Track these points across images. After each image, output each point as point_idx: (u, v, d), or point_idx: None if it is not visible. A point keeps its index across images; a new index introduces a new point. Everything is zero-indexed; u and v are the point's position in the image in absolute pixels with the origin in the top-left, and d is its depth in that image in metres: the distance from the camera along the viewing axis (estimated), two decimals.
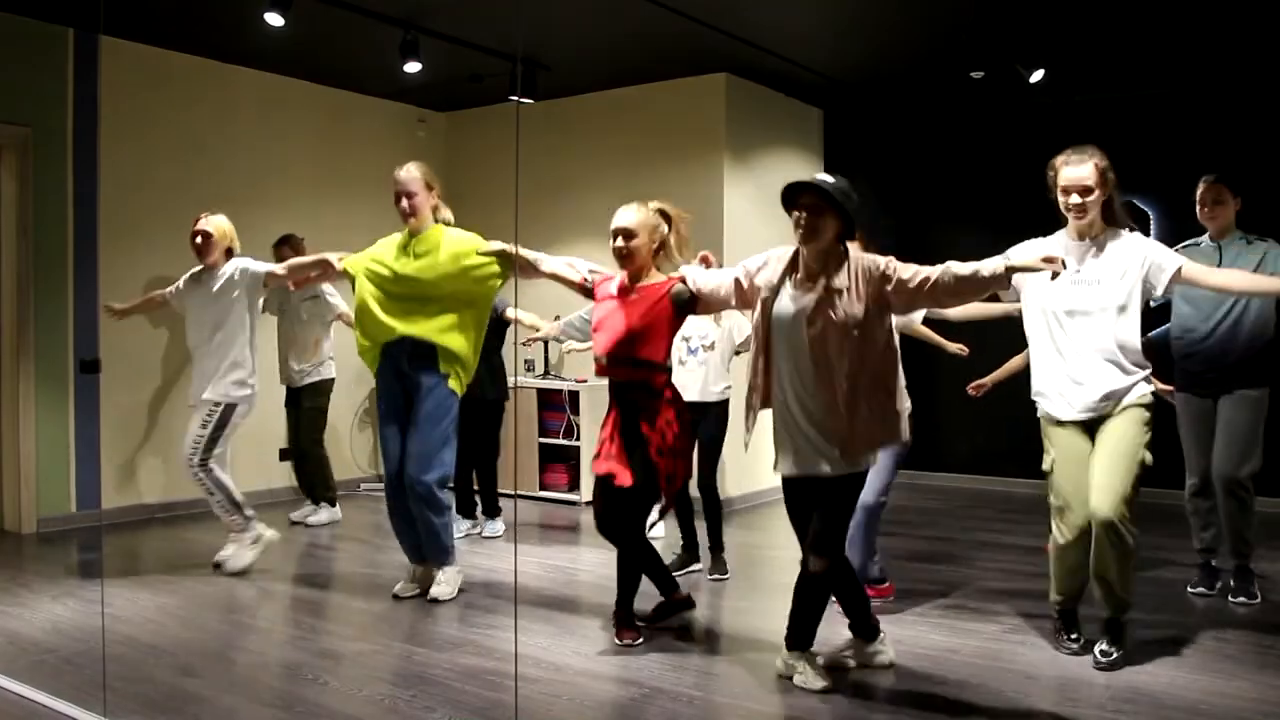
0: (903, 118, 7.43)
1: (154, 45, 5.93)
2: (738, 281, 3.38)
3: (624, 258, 3.61)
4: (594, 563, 5.01)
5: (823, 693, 3.17)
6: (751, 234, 6.34)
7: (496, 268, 4.12)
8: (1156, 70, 6.24)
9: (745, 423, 3.32)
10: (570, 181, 7.00)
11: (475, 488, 5.66)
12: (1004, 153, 6.92)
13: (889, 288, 3.05)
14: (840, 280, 3.07)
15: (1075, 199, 3.35)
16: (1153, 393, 3.42)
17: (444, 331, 4.12)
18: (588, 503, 6.46)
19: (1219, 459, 4.15)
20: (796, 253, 3.20)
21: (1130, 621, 3.46)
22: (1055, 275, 2.97)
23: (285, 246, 5.74)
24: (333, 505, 5.93)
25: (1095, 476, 3.30)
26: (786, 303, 3.16)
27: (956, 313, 4.01)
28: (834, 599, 3.43)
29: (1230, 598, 4.20)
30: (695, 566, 4.73)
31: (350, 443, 7.08)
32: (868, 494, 3.61)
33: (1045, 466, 3.51)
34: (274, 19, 5.10)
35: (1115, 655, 3.37)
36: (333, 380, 5.92)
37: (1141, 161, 6.16)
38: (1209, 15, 5.21)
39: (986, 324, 4.16)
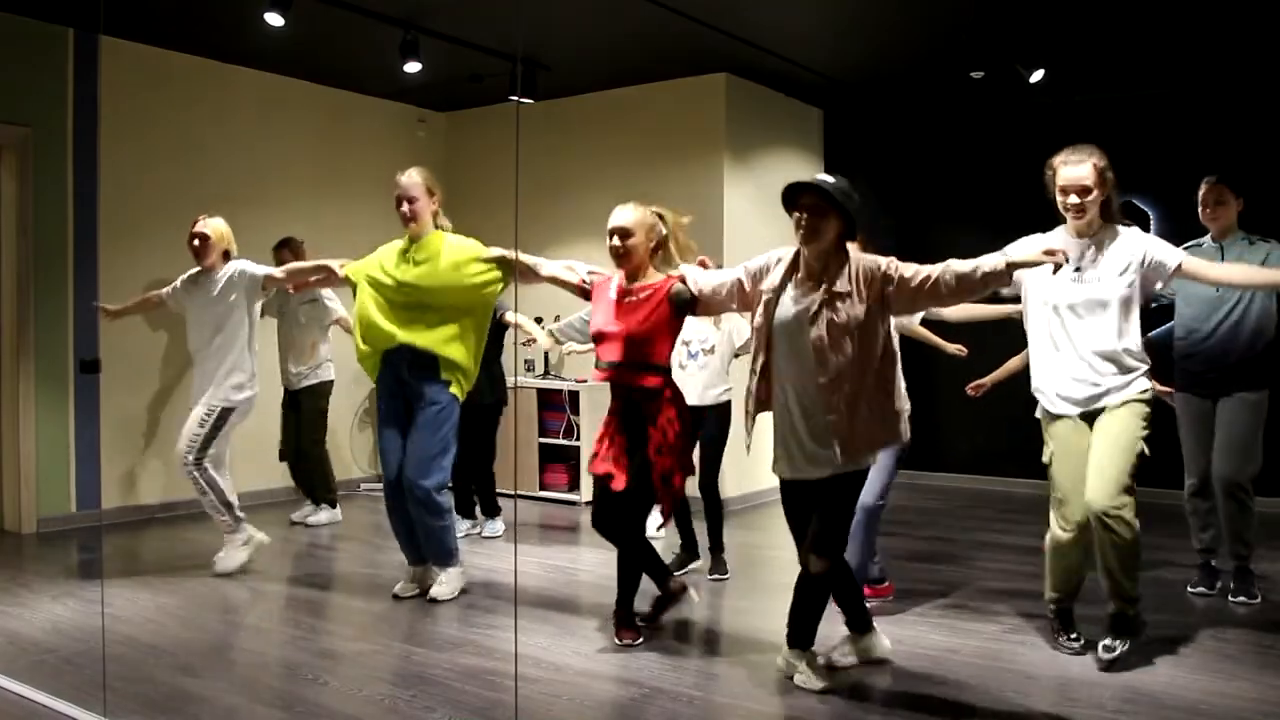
0: (903, 118, 7.43)
1: (154, 45, 5.94)
2: (739, 283, 3.37)
3: (620, 257, 3.61)
4: (594, 563, 5.01)
5: (822, 693, 3.17)
6: (751, 234, 6.34)
7: (497, 274, 4.12)
8: (1156, 70, 6.24)
9: (745, 424, 3.32)
10: (570, 181, 7.00)
11: (474, 489, 5.67)
12: (1004, 153, 6.92)
13: (890, 288, 3.04)
14: (841, 281, 3.07)
15: (1074, 199, 3.35)
16: (1152, 389, 3.42)
17: (445, 340, 4.12)
18: (588, 503, 6.46)
19: (1219, 462, 4.15)
20: (798, 254, 3.19)
21: (1138, 617, 3.44)
22: (1057, 268, 2.97)
23: (285, 250, 5.74)
24: (333, 506, 5.93)
25: (1092, 469, 3.31)
26: (788, 304, 3.16)
27: (955, 314, 4.01)
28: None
29: (1230, 598, 4.20)
30: (694, 565, 4.73)
31: (350, 443, 7.08)
32: (867, 495, 3.61)
33: (1045, 459, 3.52)
34: (274, 19, 5.11)
35: (1119, 650, 3.36)
36: (331, 383, 5.93)
37: (1141, 161, 6.16)
38: (1209, 15, 5.21)
39: (985, 325, 4.16)
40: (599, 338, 3.66)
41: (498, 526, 5.66)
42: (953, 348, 4.41)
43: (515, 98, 7.02)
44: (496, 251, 4.12)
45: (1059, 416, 3.46)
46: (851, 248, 3.19)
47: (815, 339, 3.06)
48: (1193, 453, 4.28)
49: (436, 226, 4.24)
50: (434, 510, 4.18)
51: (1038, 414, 3.65)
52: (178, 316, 4.96)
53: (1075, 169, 3.34)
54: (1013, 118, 6.98)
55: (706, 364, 4.63)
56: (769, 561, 5.13)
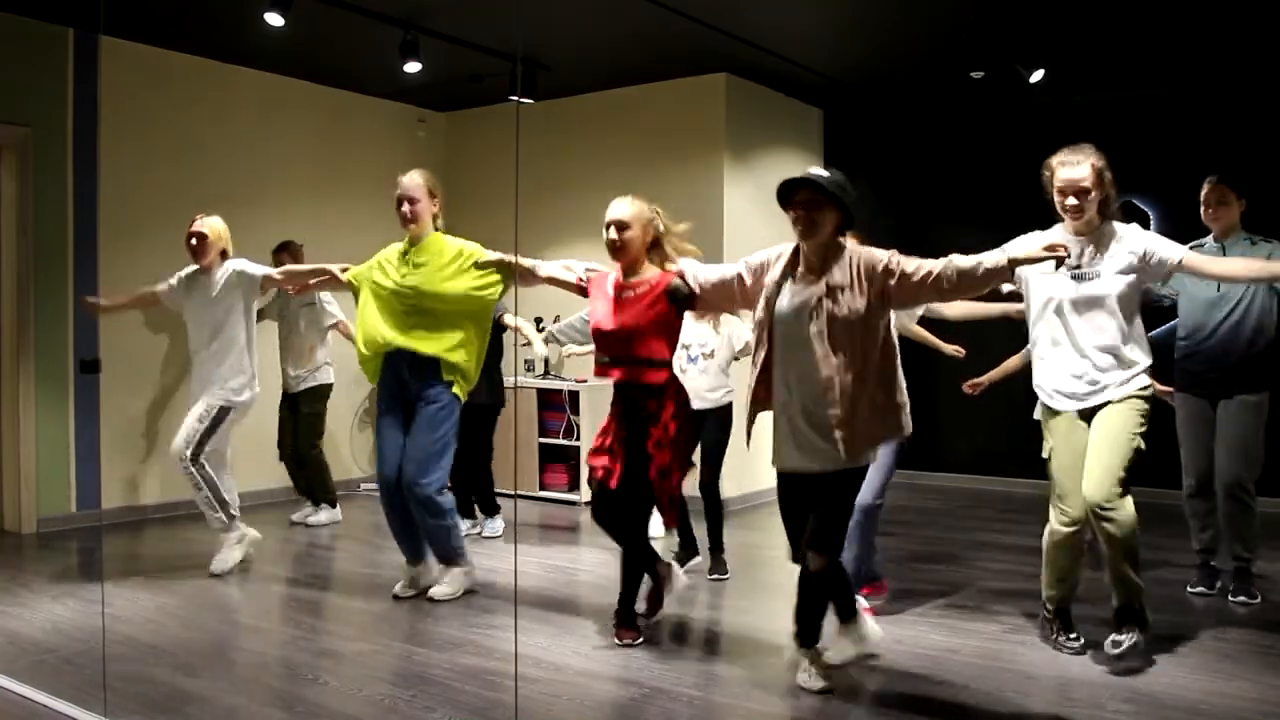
0: (903, 118, 7.43)
1: (154, 45, 5.94)
2: (739, 277, 3.38)
3: (617, 249, 3.61)
4: (594, 563, 5.01)
5: (821, 693, 3.17)
6: (751, 234, 6.34)
7: (496, 277, 4.12)
8: (1156, 70, 6.24)
9: (746, 419, 3.32)
10: (570, 181, 7.00)
11: (472, 489, 5.67)
12: (1004, 153, 6.92)
13: (892, 281, 3.04)
14: (842, 274, 3.07)
15: (1072, 200, 3.35)
16: (1151, 386, 3.42)
17: (446, 344, 4.12)
18: (588, 503, 6.44)
19: (1221, 464, 4.15)
20: (797, 249, 3.20)
21: (1143, 610, 3.43)
22: (1059, 264, 2.98)
23: (284, 253, 5.74)
24: (333, 506, 5.93)
25: (1089, 463, 3.32)
26: (788, 298, 3.16)
27: (955, 311, 4.01)
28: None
29: (1230, 597, 4.20)
30: (695, 561, 4.73)
31: (350, 444, 7.08)
32: (865, 494, 3.61)
33: (1044, 454, 3.54)
34: (274, 19, 5.11)
35: (1127, 643, 3.35)
36: (330, 386, 5.93)
37: (1141, 161, 6.16)
38: (1209, 15, 5.21)
39: (985, 325, 4.17)
40: (597, 333, 3.67)
41: (497, 526, 5.66)
42: (951, 348, 4.41)
43: (515, 98, 7.02)
44: (496, 255, 4.13)
45: (1058, 413, 3.47)
46: (851, 241, 3.19)
47: (815, 332, 3.06)
48: (1192, 453, 4.28)
49: (436, 227, 4.25)
50: (435, 510, 4.17)
51: (1036, 415, 3.66)
52: (178, 318, 4.95)
53: (1073, 170, 3.33)
54: (1013, 118, 6.98)
55: (707, 367, 4.64)
56: (769, 561, 5.13)
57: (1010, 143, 6.88)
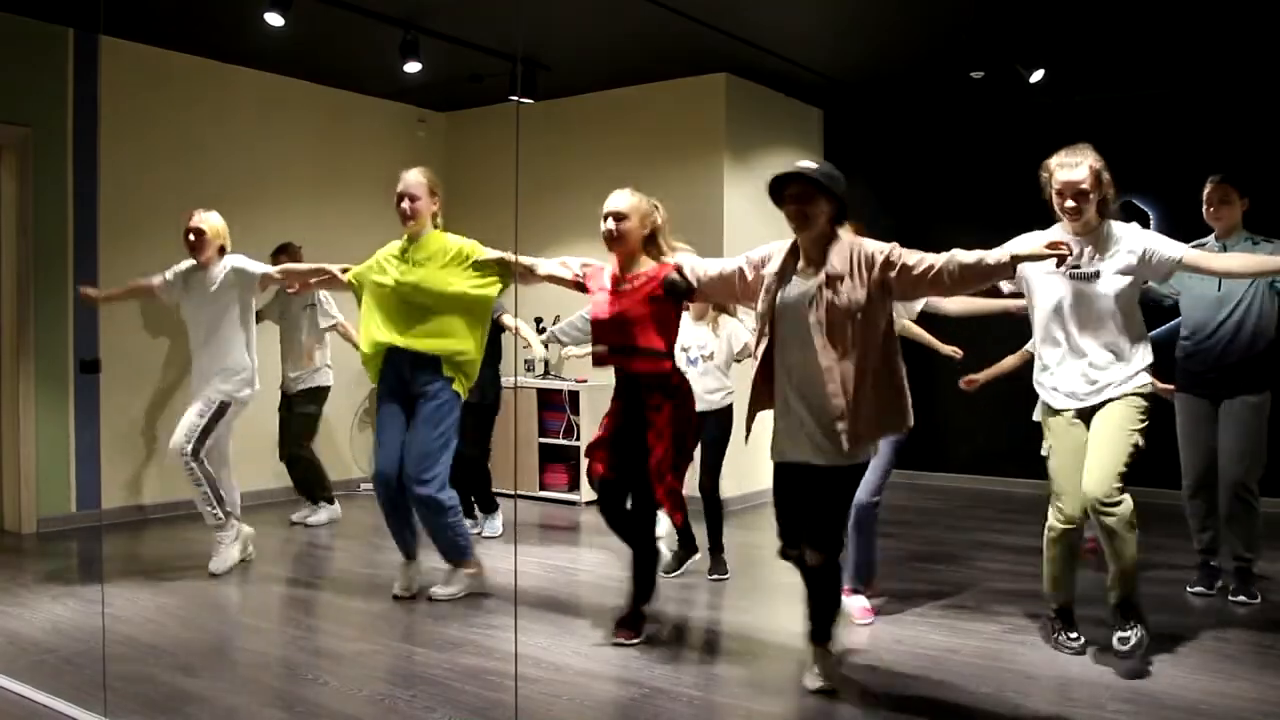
0: (903, 118, 7.43)
1: (154, 45, 5.93)
2: (740, 272, 3.38)
3: (614, 240, 3.62)
4: (594, 563, 5.01)
5: (818, 693, 3.17)
6: (751, 234, 6.33)
7: (494, 276, 4.13)
8: (1156, 70, 6.24)
9: (747, 415, 3.31)
10: (570, 181, 7.00)
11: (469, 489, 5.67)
12: (1004, 153, 6.92)
13: (892, 274, 3.04)
14: (841, 265, 3.07)
15: (1070, 202, 3.34)
16: (1151, 384, 3.43)
17: (446, 341, 4.12)
18: (588, 503, 6.47)
19: (1224, 465, 4.15)
20: (796, 243, 3.20)
21: (1140, 607, 3.43)
22: (1061, 261, 2.98)
23: (283, 255, 5.74)
24: (331, 503, 5.92)
25: (1090, 459, 3.32)
26: (789, 290, 3.16)
27: (955, 306, 4.00)
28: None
29: (1230, 597, 4.20)
30: (694, 559, 4.74)
31: (350, 443, 7.08)
32: (861, 492, 3.61)
33: (1044, 452, 3.55)
34: (274, 19, 5.11)
35: (1134, 639, 3.35)
36: (327, 389, 5.93)
37: (1141, 161, 6.17)
38: (1209, 15, 5.21)
39: (984, 324, 4.16)
40: (595, 323, 3.68)
41: (496, 525, 5.66)
42: (948, 349, 4.41)
43: (515, 98, 7.02)
44: (495, 253, 4.13)
45: (1058, 411, 3.48)
46: (851, 232, 3.20)
47: (815, 322, 3.05)
48: (1191, 453, 4.28)
49: (435, 225, 4.25)
50: (437, 509, 4.16)
51: (1036, 416, 3.66)
52: (178, 319, 4.94)
53: (1071, 172, 3.33)
54: (1013, 118, 6.98)
55: (707, 369, 4.64)
56: (769, 561, 5.11)
57: (1010, 143, 6.88)
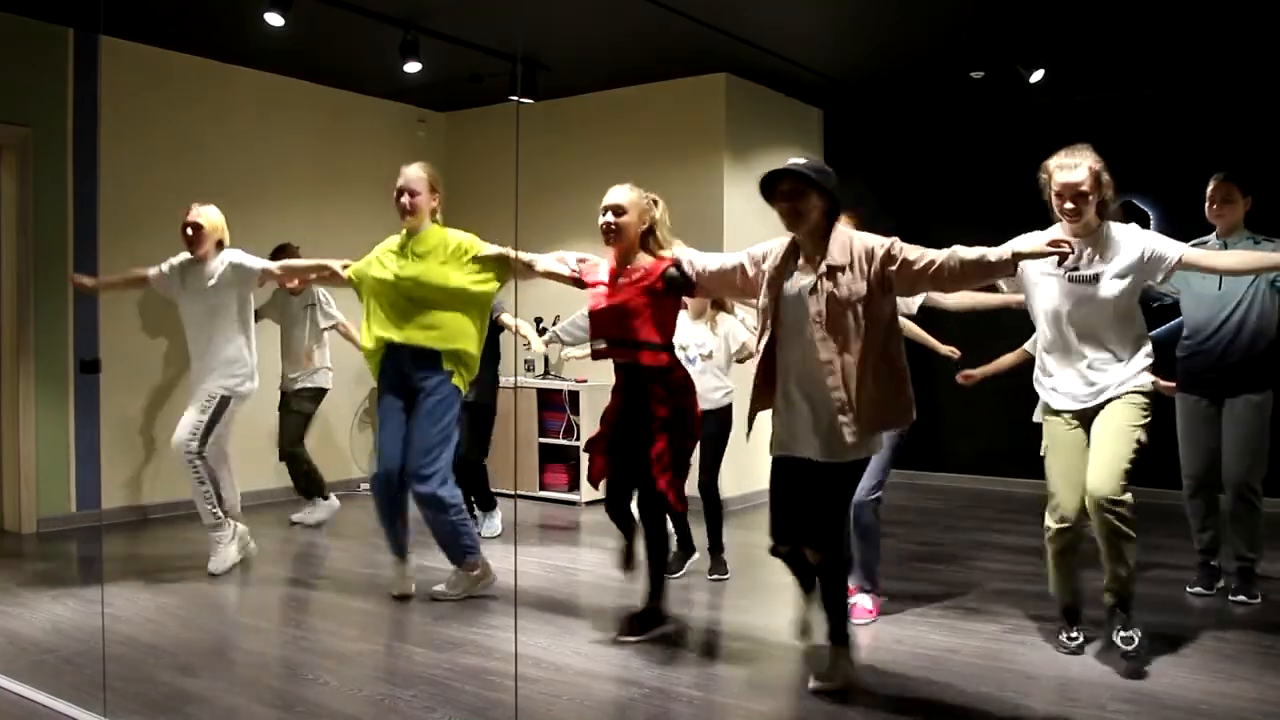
0: (903, 118, 7.43)
1: (154, 45, 5.93)
2: (741, 267, 3.37)
3: (612, 234, 3.63)
4: (594, 563, 5.01)
5: (818, 693, 3.17)
6: (751, 234, 6.28)
7: (493, 272, 4.13)
8: (1156, 70, 6.24)
9: (750, 411, 3.29)
10: (570, 181, 7.00)
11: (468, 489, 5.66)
12: (1004, 153, 6.92)
13: (893, 268, 3.03)
14: (841, 258, 3.06)
15: (1069, 204, 3.34)
16: (1152, 382, 3.43)
17: (446, 336, 4.11)
18: (588, 503, 6.48)
19: (1227, 464, 4.15)
20: (795, 240, 3.21)
21: (1134, 601, 3.45)
22: (1063, 259, 2.97)
23: (281, 256, 5.72)
24: (326, 499, 5.89)
25: (1093, 458, 3.33)
26: (790, 285, 3.16)
27: (955, 301, 4.00)
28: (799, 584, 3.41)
29: (1230, 597, 4.20)
30: (694, 558, 4.73)
31: (350, 443, 7.08)
32: (861, 491, 3.61)
33: (1042, 452, 3.56)
34: (274, 19, 5.11)
35: (1138, 639, 3.35)
36: (324, 390, 5.92)
37: (1141, 161, 6.17)
38: (1209, 15, 5.21)
39: (982, 322, 4.16)
40: (593, 315, 3.69)
41: (495, 525, 5.65)
42: (946, 349, 4.40)
43: (515, 98, 7.02)
44: (494, 249, 4.13)
45: (1056, 412, 3.48)
46: (849, 227, 3.20)
47: (815, 314, 3.05)
48: (1191, 453, 4.28)
49: (434, 221, 4.24)
50: (439, 506, 4.15)
51: (1036, 417, 3.66)
52: (177, 318, 4.94)
53: (1071, 174, 3.32)
54: (1013, 118, 6.98)
55: (705, 368, 4.63)
56: (769, 561, 5.09)
57: (1010, 143, 6.87)
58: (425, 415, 4.13)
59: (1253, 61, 5.97)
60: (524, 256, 4.04)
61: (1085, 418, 3.43)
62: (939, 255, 2.99)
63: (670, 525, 4.56)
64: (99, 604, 4.13)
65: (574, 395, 6.66)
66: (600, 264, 3.77)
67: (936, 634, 3.81)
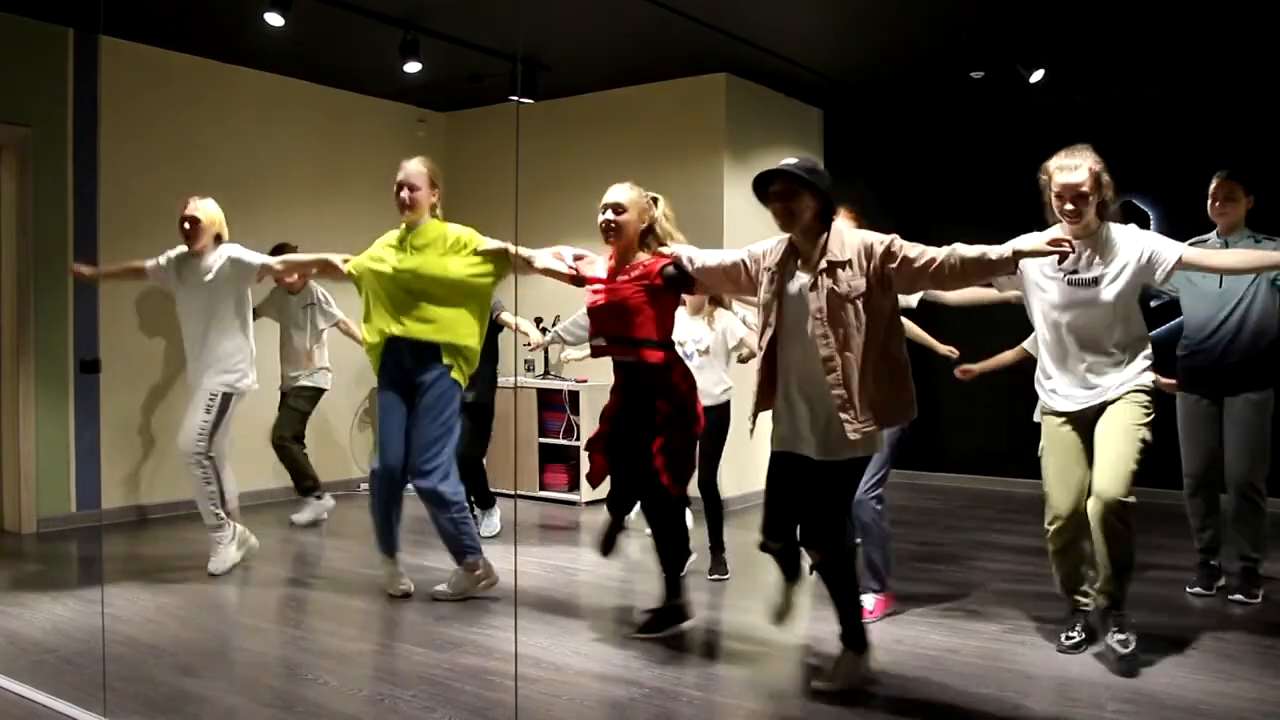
0: (903, 118, 7.43)
1: (154, 45, 5.93)
2: (741, 264, 3.37)
3: (611, 231, 3.63)
4: (594, 563, 5.00)
5: (819, 694, 3.17)
6: (751, 233, 6.27)
7: (490, 265, 4.12)
8: (1156, 70, 6.24)
9: (753, 409, 3.29)
10: (570, 181, 7.00)
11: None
12: (1004, 153, 6.92)
13: (892, 265, 3.03)
14: (839, 254, 3.06)
15: (1070, 205, 3.34)
16: (1153, 381, 3.43)
17: (445, 328, 4.12)
18: (588, 503, 6.47)
19: (1230, 464, 4.15)
20: (792, 239, 3.21)
21: (1127, 603, 3.45)
22: (1064, 258, 2.98)
23: (279, 255, 5.73)
24: (318, 497, 5.87)
25: (1098, 458, 3.33)
26: (790, 282, 3.16)
27: (955, 296, 4.00)
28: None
29: (1230, 596, 4.20)
30: (692, 559, 4.73)
31: (350, 443, 7.08)
32: (861, 490, 3.61)
33: (1040, 452, 3.57)
34: (274, 19, 5.10)
35: (1133, 643, 3.35)
36: (322, 390, 5.92)
37: (1141, 161, 6.17)
38: (1209, 15, 5.21)
39: (982, 320, 4.16)
40: (591, 312, 3.69)
41: (494, 523, 5.65)
42: (945, 349, 4.40)
43: (515, 98, 7.02)
44: (494, 243, 4.13)
45: (1056, 412, 3.49)
46: (848, 224, 3.20)
47: (816, 310, 3.05)
48: (1192, 452, 4.28)
49: (434, 216, 4.24)
50: (440, 502, 4.15)
51: (1036, 417, 3.66)
52: (175, 317, 4.94)
53: (1071, 175, 3.32)
54: (1013, 118, 6.98)
55: (703, 364, 4.63)
56: (769, 561, 5.11)
57: (1010, 143, 6.87)
58: (425, 410, 4.13)
59: (1253, 61, 5.97)
60: (523, 252, 4.04)
61: (1085, 419, 3.43)
62: (939, 253, 2.99)
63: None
64: (99, 604, 4.13)
65: (574, 395, 6.66)
66: (598, 261, 3.78)
67: (936, 634, 3.81)
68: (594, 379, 6.50)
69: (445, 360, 4.14)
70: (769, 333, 3.19)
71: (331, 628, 3.98)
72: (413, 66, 5.79)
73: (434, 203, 4.23)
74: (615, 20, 5.59)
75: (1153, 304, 4.39)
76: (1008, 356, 4.23)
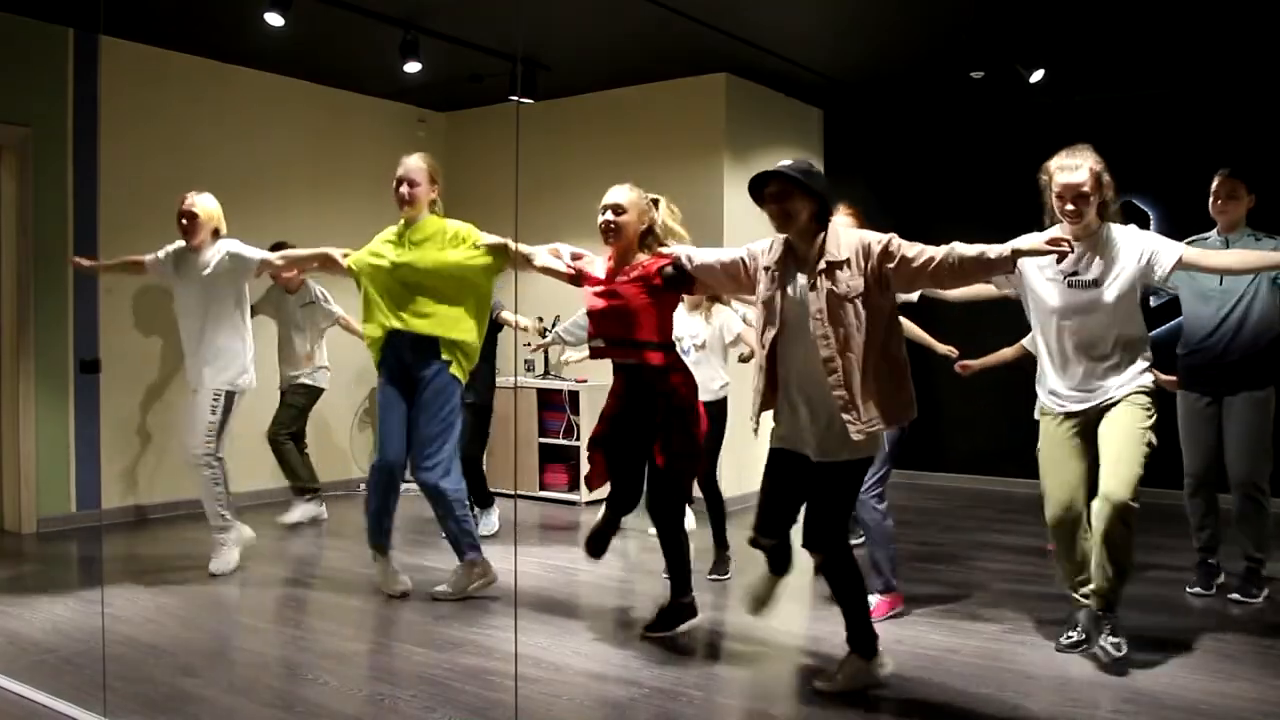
0: (903, 118, 7.43)
1: (154, 45, 5.94)
2: (741, 261, 3.36)
3: (611, 232, 3.63)
4: (594, 563, 5.00)
5: (820, 694, 3.17)
6: (751, 233, 6.25)
7: (489, 259, 4.11)
8: (1156, 70, 6.24)
9: (753, 408, 3.28)
10: (570, 181, 7.00)
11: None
12: (1004, 153, 6.92)
13: (890, 265, 3.02)
14: (837, 255, 3.06)
15: (1070, 206, 3.33)
16: (1153, 381, 3.43)
17: (444, 323, 4.12)
18: (588, 503, 6.47)
19: (1232, 464, 4.15)
20: (789, 240, 3.21)
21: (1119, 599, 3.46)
22: (1063, 257, 2.98)
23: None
24: (308, 500, 5.87)
25: (1105, 461, 3.33)
26: (789, 283, 3.15)
27: (955, 292, 4.00)
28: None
29: (1229, 595, 4.20)
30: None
31: (350, 443, 7.08)
32: (863, 493, 3.60)
33: (1038, 450, 3.58)
34: (274, 19, 5.10)
35: (1125, 646, 3.35)
36: (320, 390, 5.92)
37: (1141, 161, 6.17)
38: (1209, 15, 5.21)
39: (982, 318, 4.16)
40: (591, 315, 3.69)
41: (492, 523, 5.64)
42: (944, 348, 4.40)
43: (515, 98, 7.02)
44: (493, 239, 4.13)
45: (1052, 413, 3.49)
46: (848, 222, 3.19)
47: (816, 311, 3.05)
48: (1192, 450, 4.28)
49: (433, 212, 4.24)
50: (442, 498, 4.15)
51: (1036, 415, 3.67)
52: (172, 316, 4.93)
53: (1072, 175, 3.31)
54: (1013, 118, 6.98)
55: (700, 359, 4.62)
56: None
57: (1010, 143, 6.88)
58: (425, 406, 4.14)
59: (1253, 61, 5.96)
60: (522, 248, 4.04)
61: (1084, 419, 3.43)
62: (937, 252, 2.98)
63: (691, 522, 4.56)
64: (99, 604, 4.13)
65: (574, 395, 6.66)
66: (596, 261, 3.77)
67: (936, 634, 3.81)
68: (594, 379, 6.50)
69: (444, 356, 4.14)
70: (769, 333, 3.19)
71: (331, 628, 3.98)
72: (413, 66, 5.79)
73: (433, 199, 4.24)
74: (615, 20, 5.59)
75: (1153, 303, 4.39)
76: (1007, 353, 4.23)
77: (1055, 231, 3.43)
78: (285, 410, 5.85)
